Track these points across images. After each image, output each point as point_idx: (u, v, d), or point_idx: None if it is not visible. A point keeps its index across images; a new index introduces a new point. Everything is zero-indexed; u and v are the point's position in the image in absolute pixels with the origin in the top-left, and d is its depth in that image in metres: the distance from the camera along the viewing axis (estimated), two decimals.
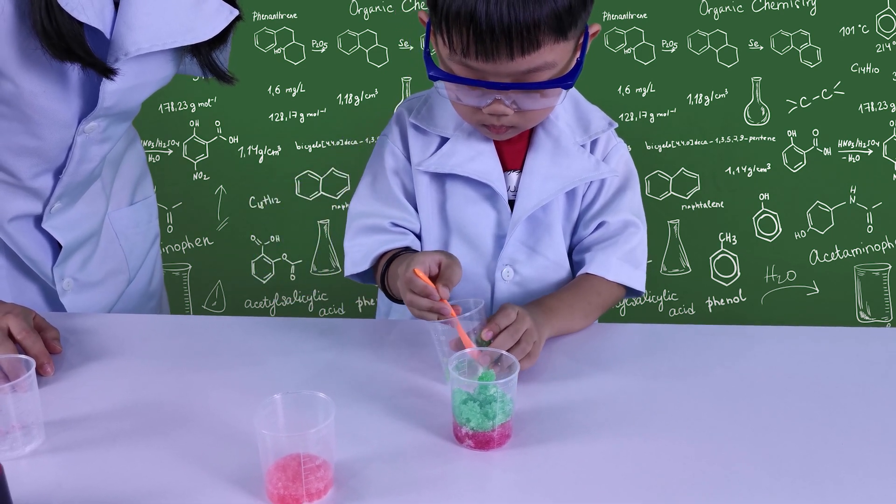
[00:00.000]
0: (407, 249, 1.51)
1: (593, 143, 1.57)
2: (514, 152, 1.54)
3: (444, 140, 1.54)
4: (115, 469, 1.11)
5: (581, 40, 1.39)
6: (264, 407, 1.05)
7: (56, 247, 1.60)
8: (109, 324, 1.52)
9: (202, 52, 1.50)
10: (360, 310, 3.08)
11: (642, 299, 3.08)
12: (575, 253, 1.61)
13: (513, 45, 1.28)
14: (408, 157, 1.56)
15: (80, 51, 1.31)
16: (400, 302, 1.44)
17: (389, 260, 1.48)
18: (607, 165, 1.55)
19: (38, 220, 1.56)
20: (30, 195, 1.52)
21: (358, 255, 1.54)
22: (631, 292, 1.60)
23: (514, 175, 1.54)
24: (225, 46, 1.54)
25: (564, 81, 1.37)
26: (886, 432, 1.19)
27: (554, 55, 1.33)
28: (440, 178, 1.55)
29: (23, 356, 1.19)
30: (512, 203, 1.54)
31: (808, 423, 1.21)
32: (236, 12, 1.49)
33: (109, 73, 1.36)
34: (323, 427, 1.03)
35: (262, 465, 1.04)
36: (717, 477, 1.09)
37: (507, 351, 1.24)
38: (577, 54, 1.40)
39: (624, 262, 1.55)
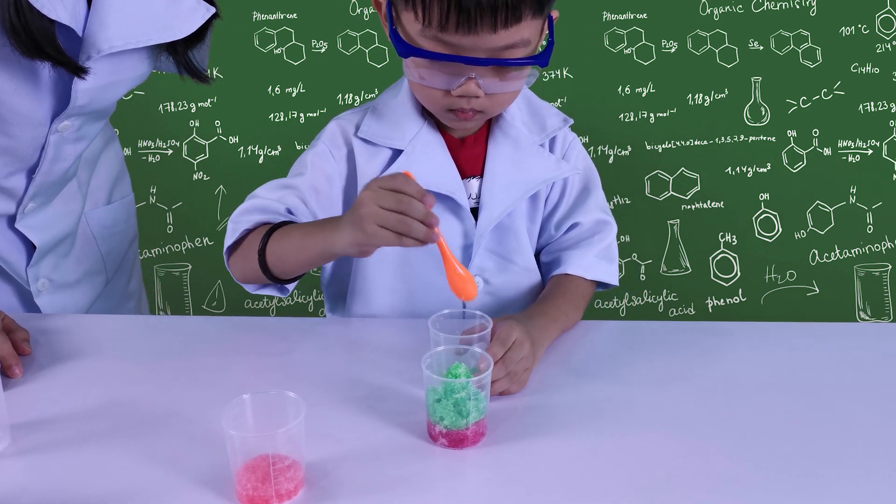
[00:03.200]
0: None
1: (551, 142, 1.56)
2: (471, 158, 1.52)
3: (396, 153, 1.49)
4: (82, 471, 1.10)
5: (546, 24, 1.39)
6: (233, 407, 1.05)
7: (30, 247, 1.59)
8: (82, 325, 1.51)
9: (178, 51, 1.50)
10: None
11: (642, 299, 3.07)
12: (545, 254, 1.60)
13: (497, 16, 1.27)
14: (345, 171, 1.52)
15: (49, 49, 1.30)
16: (278, 281, 1.39)
17: (274, 228, 1.38)
18: (567, 164, 1.55)
19: (11, 220, 1.55)
20: (2, 195, 1.51)
21: (241, 224, 1.42)
22: (602, 285, 1.60)
23: (474, 182, 1.52)
24: (202, 45, 1.53)
25: (540, 59, 1.36)
26: (879, 427, 1.19)
27: (530, 31, 1.32)
28: None
29: None
30: (474, 211, 1.51)
31: (792, 419, 1.21)
32: (213, 10, 1.48)
33: (80, 71, 1.35)
34: (292, 427, 1.03)
35: (231, 466, 1.04)
36: (698, 473, 1.09)
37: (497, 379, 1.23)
38: (546, 35, 1.40)
39: (601, 259, 1.55)
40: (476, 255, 1.52)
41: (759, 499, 1.05)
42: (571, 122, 1.57)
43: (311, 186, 1.48)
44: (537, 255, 1.62)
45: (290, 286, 1.44)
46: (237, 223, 1.42)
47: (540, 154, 1.53)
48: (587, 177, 1.61)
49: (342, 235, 1.24)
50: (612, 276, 1.57)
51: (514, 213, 1.53)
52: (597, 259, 1.55)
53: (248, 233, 1.41)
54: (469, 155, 1.52)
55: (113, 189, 1.78)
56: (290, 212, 1.43)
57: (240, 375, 1.33)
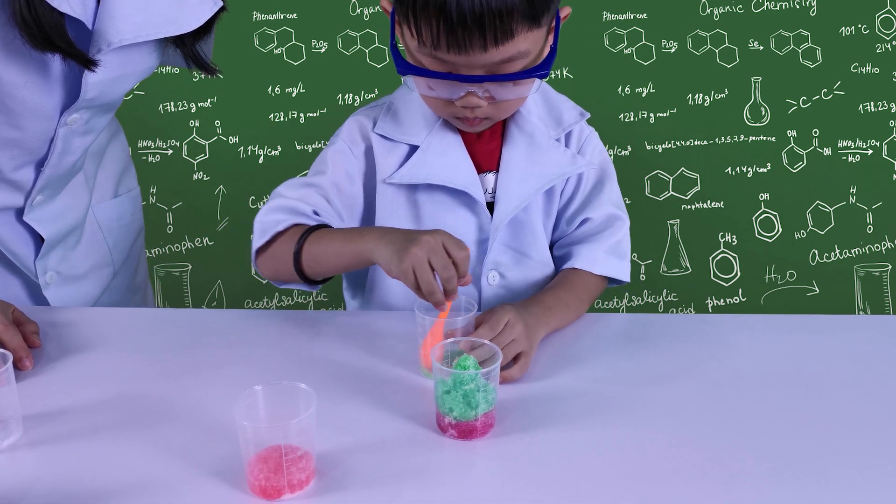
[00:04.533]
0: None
1: (567, 136, 1.55)
2: (488, 152, 1.51)
3: (412, 148, 1.49)
4: (94, 463, 1.10)
5: (553, 25, 1.36)
6: (245, 398, 1.05)
7: (38, 240, 1.59)
8: (90, 317, 1.51)
9: (186, 44, 1.49)
10: None
11: (642, 299, 3.07)
12: (557, 248, 1.60)
13: (486, 35, 1.24)
14: (364, 168, 1.52)
15: (60, 41, 1.30)
16: (309, 282, 1.40)
17: (310, 230, 1.38)
18: (583, 158, 1.54)
19: (19, 212, 1.55)
20: (11, 188, 1.51)
21: (269, 224, 1.41)
22: (614, 281, 1.59)
23: (490, 176, 1.52)
24: (208, 37, 1.53)
25: (539, 70, 1.33)
26: (882, 421, 1.19)
27: (528, 43, 1.29)
28: (411, 189, 1.51)
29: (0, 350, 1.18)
30: (490, 205, 1.51)
31: (793, 412, 1.21)
32: (220, 3, 1.48)
33: (91, 64, 1.35)
34: (304, 418, 1.03)
35: (243, 456, 1.04)
36: (704, 466, 1.09)
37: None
38: (550, 41, 1.37)
39: (610, 255, 1.54)
40: (491, 250, 1.52)
41: (765, 490, 1.05)
42: (588, 115, 1.56)
43: (333, 184, 1.49)
44: (550, 248, 1.62)
45: (319, 284, 1.44)
46: (265, 224, 1.41)
47: (555, 149, 1.52)
48: (602, 171, 1.59)
49: (382, 252, 1.25)
50: (621, 272, 1.56)
51: (529, 208, 1.52)
52: (606, 255, 1.54)
53: (277, 234, 1.41)
54: (485, 149, 1.51)
55: (119, 182, 1.79)
56: (315, 213, 1.42)
57: (248, 367, 1.33)
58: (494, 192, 1.51)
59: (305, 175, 1.52)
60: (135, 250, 1.85)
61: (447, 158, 1.48)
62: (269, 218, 1.41)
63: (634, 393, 1.26)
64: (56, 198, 1.58)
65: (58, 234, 1.60)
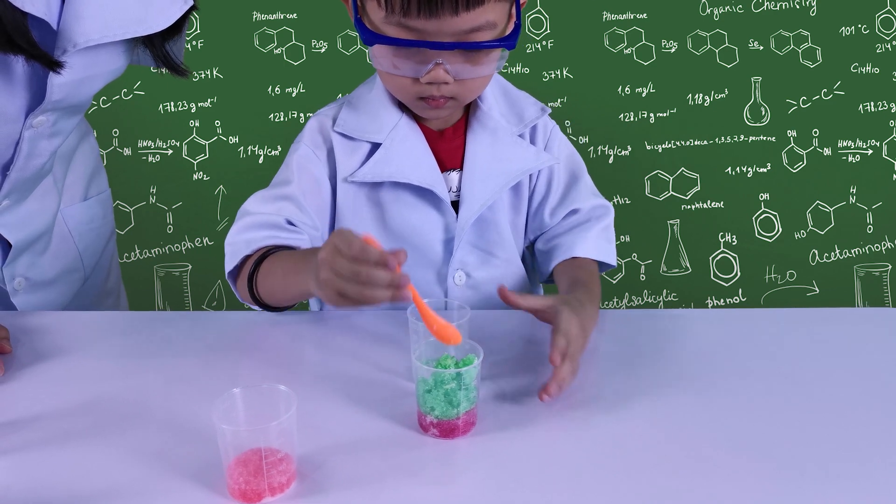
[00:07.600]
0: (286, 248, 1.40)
1: (532, 131, 1.55)
2: (451, 150, 1.51)
3: (374, 146, 1.48)
4: (69, 470, 1.08)
5: (513, 4, 1.36)
6: (223, 401, 1.04)
7: (5, 245, 1.55)
8: (63, 322, 1.48)
9: (155, 44, 1.46)
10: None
11: (642, 299, 3.07)
12: (543, 241, 1.59)
13: None
14: (329, 170, 1.50)
15: (22, 42, 1.26)
16: (268, 308, 1.40)
17: (261, 259, 1.38)
18: (547, 153, 1.54)
19: None
20: None
21: (240, 247, 1.41)
22: (603, 266, 1.58)
23: (454, 175, 1.51)
24: (179, 38, 1.50)
25: (507, 41, 1.33)
26: (864, 412, 1.19)
27: (495, 13, 1.30)
28: (373, 188, 1.49)
29: None
30: (455, 204, 1.50)
31: (775, 405, 1.21)
32: (191, 2, 1.45)
33: (56, 65, 1.31)
34: (284, 420, 1.02)
35: (222, 460, 1.03)
36: (689, 462, 1.08)
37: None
38: (514, 17, 1.37)
39: (602, 240, 1.55)
40: (458, 249, 1.51)
41: (752, 483, 1.04)
42: (549, 110, 1.56)
43: (302, 192, 1.47)
44: (532, 245, 1.62)
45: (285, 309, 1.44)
46: (235, 246, 1.41)
47: (519, 145, 1.52)
48: (573, 163, 1.60)
49: (316, 289, 1.19)
50: (612, 257, 1.56)
51: (495, 206, 1.52)
52: (599, 241, 1.54)
53: (248, 257, 1.41)
54: (448, 147, 1.51)
55: (89, 185, 1.75)
56: (290, 222, 1.43)
57: (225, 370, 1.32)
58: (459, 190, 1.50)
59: (269, 186, 1.51)
60: (106, 254, 1.81)
61: (411, 156, 1.47)
62: (238, 238, 1.41)
63: (617, 390, 1.25)
64: (23, 202, 1.55)
65: (25, 239, 1.57)
